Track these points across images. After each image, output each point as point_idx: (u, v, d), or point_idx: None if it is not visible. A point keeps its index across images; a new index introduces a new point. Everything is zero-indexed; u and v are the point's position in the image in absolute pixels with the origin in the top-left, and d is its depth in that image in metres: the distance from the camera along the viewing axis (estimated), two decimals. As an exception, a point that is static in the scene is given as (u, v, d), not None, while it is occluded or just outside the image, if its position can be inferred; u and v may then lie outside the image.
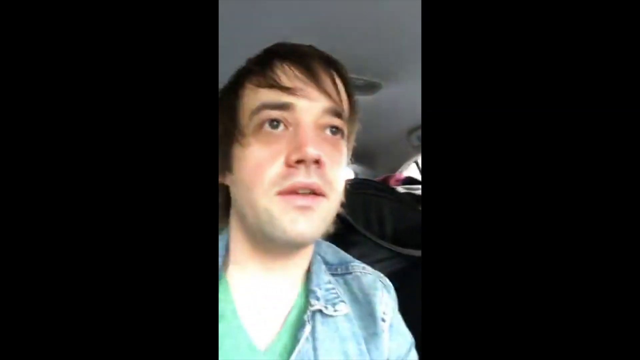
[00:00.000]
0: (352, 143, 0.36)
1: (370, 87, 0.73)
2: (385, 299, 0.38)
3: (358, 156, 1.41)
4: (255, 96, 0.31)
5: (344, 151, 0.34)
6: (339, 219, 0.61)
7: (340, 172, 0.33)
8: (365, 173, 1.35)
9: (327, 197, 0.31)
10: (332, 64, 0.34)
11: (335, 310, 0.34)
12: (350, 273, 0.38)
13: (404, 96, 0.77)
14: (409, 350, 0.37)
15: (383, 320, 0.36)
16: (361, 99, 0.77)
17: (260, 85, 0.31)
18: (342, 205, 0.65)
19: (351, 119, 0.34)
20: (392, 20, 0.52)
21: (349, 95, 0.34)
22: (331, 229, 0.35)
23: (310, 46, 0.34)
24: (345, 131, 0.33)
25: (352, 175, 1.44)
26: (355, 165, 1.38)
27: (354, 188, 0.76)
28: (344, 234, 0.61)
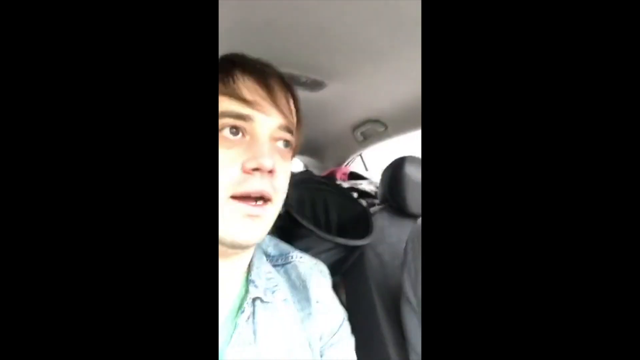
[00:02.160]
0: (297, 150, 0.41)
1: (315, 85, 0.76)
2: (320, 282, 0.43)
3: (307, 149, 1.43)
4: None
5: (291, 161, 0.38)
6: (288, 215, 0.64)
7: (287, 179, 0.37)
8: (313, 165, 1.39)
9: (273, 202, 0.34)
10: (286, 84, 0.38)
11: (273, 297, 0.38)
12: (290, 262, 0.43)
13: (347, 94, 0.82)
14: (341, 324, 0.43)
15: (317, 301, 0.41)
16: (307, 95, 0.81)
17: (222, 93, 0.33)
18: (290, 202, 0.68)
19: (298, 132, 0.39)
20: (336, 22, 0.55)
21: (298, 112, 0.39)
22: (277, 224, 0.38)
23: (269, 65, 0.38)
24: (293, 143, 0.38)
25: (301, 167, 1.47)
26: (304, 157, 1.42)
27: (302, 182, 0.79)
28: (292, 228, 0.64)
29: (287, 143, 0.36)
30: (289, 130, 0.36)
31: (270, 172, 0.33)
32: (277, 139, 0.35)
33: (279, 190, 0.35)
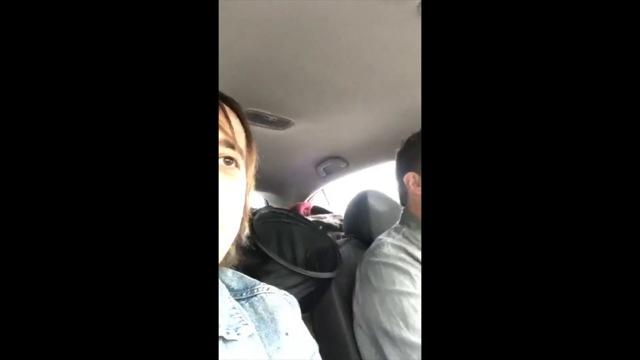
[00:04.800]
0: (253, 171, 0.39)
1: (282, 123, 0.79)
2: (289, 314, 0.41)
3: (269, 185, 1.43)
4: None
5: (241, 180, 0.36)
6: (254, 250, 0.62)
7: (236, 200, 0.34)
8: (275, 201, 1.39)
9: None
10: (225, 101, 0.36)
11: (238, 334, 0.35)
12: (256, 295, 0.41)
13: (312, 132, 0.86)
14: (312, 355, 0.40)
15: (287, 334, 0.38)
16: (274, 133, 0.84)
17: None
18: (257, 235, 0.67)
19: (248, 150, 0.37)
20: (305, 67, 0.59)
21: (245, 129, 0.37)
22: (236, 260, 0.37)
23: None
24: (241, 161, 0.35)
25: (263, 203, 1.46)
26: (266, 193, 1.41)
27: (267, 217, 0.79)
28: (258, 264, 0.62)
29: (230, 160, 0.34)
30: (230, 145, 0.33)
31: None
32: (219, 156, 0.33)
33: (225, 212, 0.32)
